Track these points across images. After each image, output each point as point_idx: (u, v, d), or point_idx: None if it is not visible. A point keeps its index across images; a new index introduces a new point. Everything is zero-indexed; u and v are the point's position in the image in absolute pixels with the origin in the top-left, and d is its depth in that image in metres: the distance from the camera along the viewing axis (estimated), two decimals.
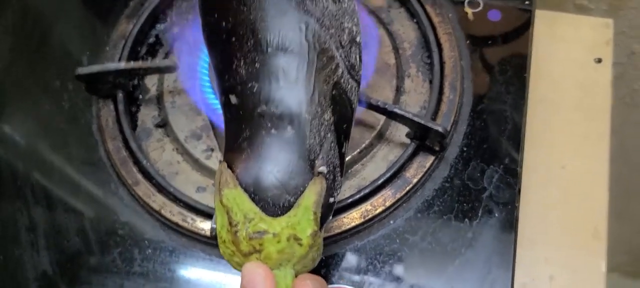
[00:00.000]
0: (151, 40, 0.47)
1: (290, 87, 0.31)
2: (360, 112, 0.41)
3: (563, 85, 0.54)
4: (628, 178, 0.89)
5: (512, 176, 0.40)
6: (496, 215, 0.38)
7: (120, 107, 0.43)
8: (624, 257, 1.05)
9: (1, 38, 0.48)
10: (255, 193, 0.29)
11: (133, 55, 0.46)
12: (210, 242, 0.39)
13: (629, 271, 1.09)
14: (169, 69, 0.42)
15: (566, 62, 0.55)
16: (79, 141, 0.43)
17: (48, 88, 0.45)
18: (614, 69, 0.71)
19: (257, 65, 0.31)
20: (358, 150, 0.41)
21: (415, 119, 0.38)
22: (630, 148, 0.85)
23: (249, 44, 0.32)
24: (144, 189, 0.40)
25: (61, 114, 0.44)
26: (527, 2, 0.46)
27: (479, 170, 0.40)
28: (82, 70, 0.41)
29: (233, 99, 0.32)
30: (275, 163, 0.29)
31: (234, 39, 0.32)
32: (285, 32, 0.31)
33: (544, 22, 0.58)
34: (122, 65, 0.41)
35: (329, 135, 0.31)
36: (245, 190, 0.29)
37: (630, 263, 1.06)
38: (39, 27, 0.48)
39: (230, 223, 0.29)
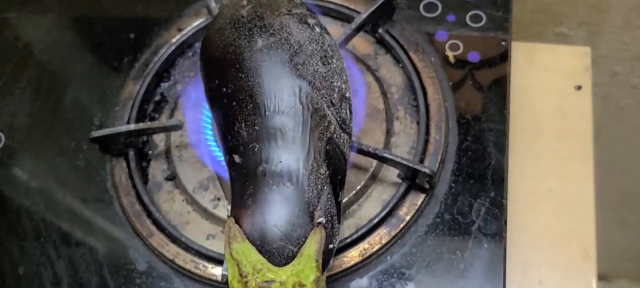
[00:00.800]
0: (157, 98, 0.51)
1: (288, 146, 0.34)
2: (354, 156, 0.45)
3: (545, 114, 0.57)
4: (624, 188, 0.92)
5: (498, 208, 0.43)
6: (485, 246, 0.41)
7: (132, 164, 0.46)
8: (631, 263, 1.08)
9: (19, 104, 0.52)
10: (262, 246, 0.32)
11: (141, 114, 0.49)
12: (222, 287, 0.42)
13: (638, 276, 1.11)
14: (175, 128, 0.46)
15: (547, 91, 0.58)
16: (96, 198, 0.46)
17: (64, 149, 0.49)
18: (600, 90, 0.75)
19: (256, 127, 0.35)
20: (353, 192, 0.44)
21: (404, 162, 0.41)
22: (623, 161, 0.88)
23: (248, 107, 0.35)
24: (157, 240, 0.43)
25: (78, 172, 0.48)
26: (503, 43, 0.49)
27: (467, 205, 0.43)
28: (96, 133, 0.45)
29: (237, 158, 0.35)
30: (278, 217, 0.33)
31: (234, 103, 0.36)
32: (281, 96, 0.35)
33: (524, 53, 0.61)
34: (132, 126, 0.45)
35: (325, 187, 0.34)
36: (252, 243, 0.32)
37: (639, 268, 1.09)
38: (53, 93, 0.52)
39: (240, 274, 0.32)
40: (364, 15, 0.48)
